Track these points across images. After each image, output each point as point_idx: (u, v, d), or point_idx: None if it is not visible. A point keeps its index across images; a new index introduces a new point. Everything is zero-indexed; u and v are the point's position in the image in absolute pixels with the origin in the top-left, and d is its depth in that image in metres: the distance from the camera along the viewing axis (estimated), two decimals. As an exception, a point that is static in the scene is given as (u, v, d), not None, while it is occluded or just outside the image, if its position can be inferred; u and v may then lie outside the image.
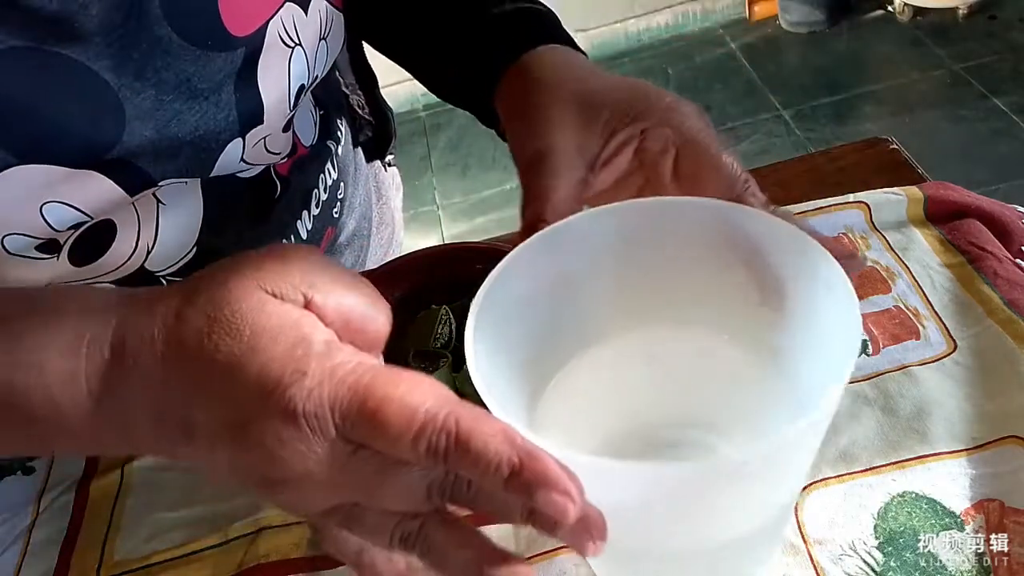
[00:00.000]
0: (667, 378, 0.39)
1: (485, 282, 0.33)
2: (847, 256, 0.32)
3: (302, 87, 0.48)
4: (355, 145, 0.68)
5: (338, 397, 0.26)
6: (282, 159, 0.52)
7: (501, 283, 0.33)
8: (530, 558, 0.42)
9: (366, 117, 0.68)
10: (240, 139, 0.45)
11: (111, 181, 0.41)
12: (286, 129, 0.50)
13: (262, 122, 0.46)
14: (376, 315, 0.31)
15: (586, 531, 0.27)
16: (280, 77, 0.46)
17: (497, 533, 0.44)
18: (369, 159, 0.71)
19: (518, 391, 0.34)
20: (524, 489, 0.25)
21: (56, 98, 0.37)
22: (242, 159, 0.47)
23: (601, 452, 0.26)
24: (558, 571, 0.42)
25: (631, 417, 0.38)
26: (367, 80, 0.67)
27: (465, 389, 0.32)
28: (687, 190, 0.39)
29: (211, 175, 0.46)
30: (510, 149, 0.43)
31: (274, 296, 0.28)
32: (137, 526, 0.48)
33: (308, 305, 0.29)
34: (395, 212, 0.79)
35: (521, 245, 0.34)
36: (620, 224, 0.35)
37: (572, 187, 0.38)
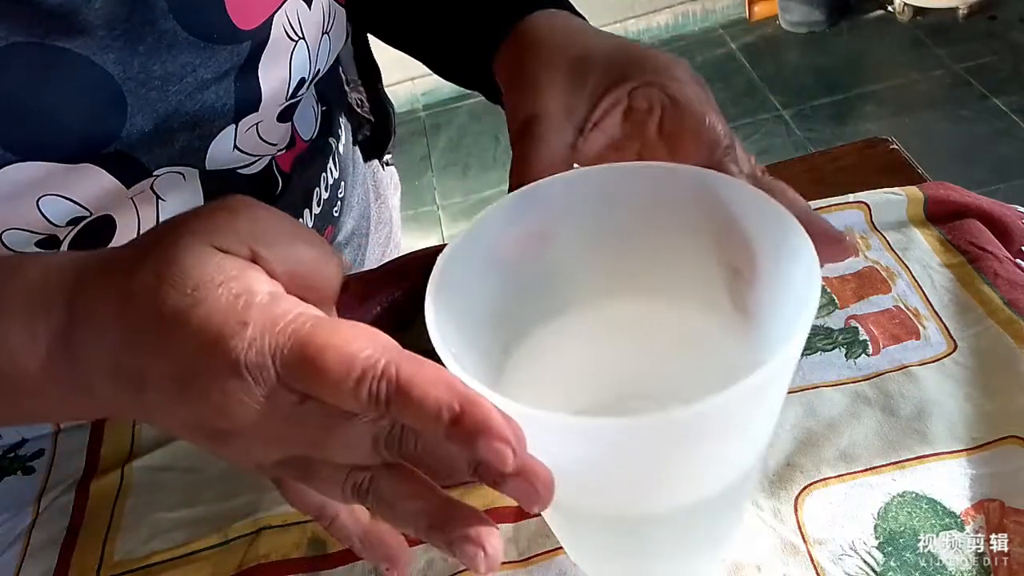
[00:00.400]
0: (638, 346, 0.38)
1: (451, 242, 0.32)
2: (835, 240, 0.32)
3: (303, 80, 0.48)
4: (353, 143, 0.68)
5: (279, 346, 0.26)
6: (280, 151, 0.52)
7: (468, 244, 0.32)
8: (529, 558, 0.42)
9: (365, 115, 0.68)
10: (233, 125, 0.45)
11: (108, 174, 0.41)
12: (284, 120, 0.50)
13: (256, 110, 0.46)
14: (324, 266, 0.30)
15: (530, 484, 0.26)
16: (281, 70, 0.46)
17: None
18: (367, 158, 0.71)
19: (483, 354, 0.33)
20: (465, 437, 0.25)
21: (58, 94, 0.37)
22: (236, 147, 0.47)
23: (581, 404, 0.25)
24: (558, 571, 0.42)
25: (600, 383, 0.38)
26: (371, 75, 0.67)
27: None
28: (670, 151, 0.38)
29: (206, 164, 0.46)
30: (506, 119, 0.42)
31: (220, 250, 0.28)
32: (137, 526, 0.48)
33: (255, 259, 0.29)
34: (393, 211, 0.79)
35: (490, 207, 0.33)
36: (593, 188, 0.35)
37: (559, 151, 0.37)
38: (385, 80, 0.69)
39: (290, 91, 0.48)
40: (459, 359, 0.28)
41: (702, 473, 0.31)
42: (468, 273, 0.32)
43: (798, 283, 0.29)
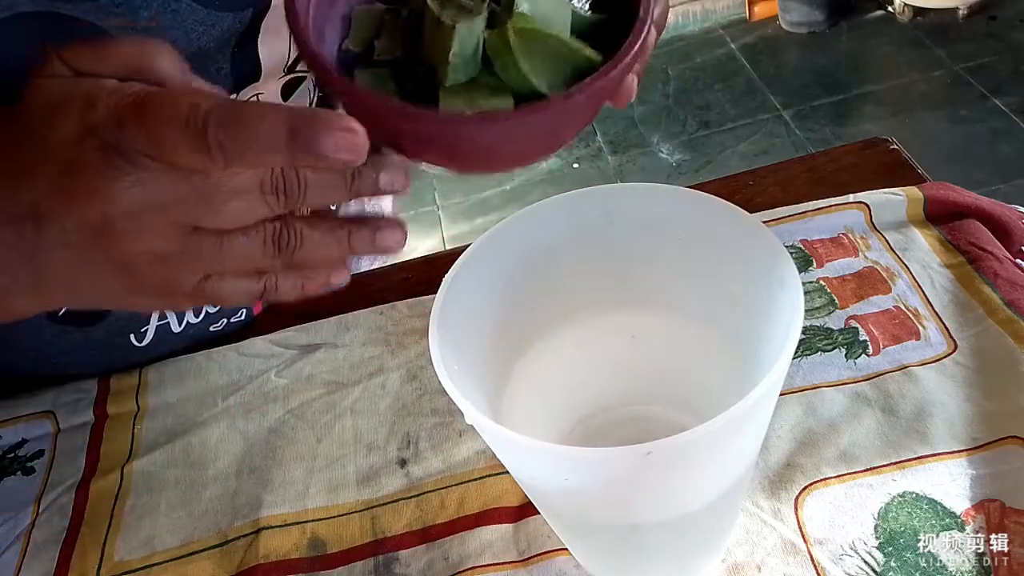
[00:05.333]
0: (634, 358, 0.39)
1: (458, 261, 0.33)
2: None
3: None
4: None
5: (122, 107, 0.28)
6: None
7: (473, 261, 0.34)
8: (529, 558, 0.42)
9: None
10: (234, 94, 0.46)
11: None
12: (287, 98, 0.50)
13: (257, 80, 0.46)
14: (158, 52, 0.31)
15: (393, 180, 0.29)
16: (280, 41, 0.46)
17: (496, 534, 0.44)
18: None
19: (487, 367, 0.35)
20: (309, 144, 0.26)
21: None
22: None
23: (567, 427, 0.26)
24: (558, 571, 0.42)
25: (598, 394, 0.39)
26: None
27: (502, 53, 0.32)
28: None
29: None
30: None
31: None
32: (137, 526, 0.48)
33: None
34: (385, 211, 0.80)
35: (489, 232, 0.35)
36: (591, 208, 0.36)
37: None
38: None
39: (289, 63, 0.48)
40: (461, 377, 0.29)
41: (686, 492, 0.32)
42: (473, 290, 0.33)
43: (784, 311, 0.30)
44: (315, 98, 0.58)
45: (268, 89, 0.48)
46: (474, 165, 0.33)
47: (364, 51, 0.33)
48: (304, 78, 0.52)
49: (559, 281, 0.37)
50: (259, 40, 0.45)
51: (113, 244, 0.29)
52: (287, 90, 0.50)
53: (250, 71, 0.46)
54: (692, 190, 0.35)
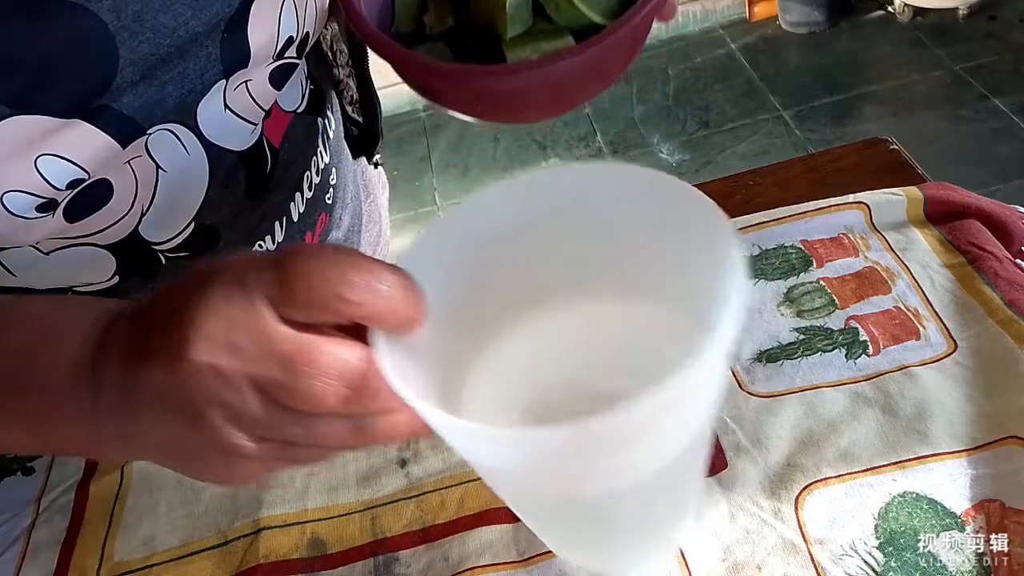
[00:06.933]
0: (594, 340, 0.39)
1: (418, 236, 0.34)
2: None
3: (290, 39, 0.48)
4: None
5: (274, 258, 0.28)
6: (266, 114, 0.52)
7: (408, 260, 0.33)
8: (530, 558, 0.42)
9: (354, 116, 0.69)
10: (223, 81, 0.45)
11: (100, 131, 0.41)
12: (276, 85, 0.50)
13: (246, 67, 0.46)
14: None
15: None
16: (270, 26, 0.46)
17: (496, 534, 0.44)
18: (355, 155, 0.72)
19: (440, 361, 0.35)
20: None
21: (50, 43, 0.37)
22: (226, 106, 0.47)
23: (526, 410, 0.27)
24: (558, 571, 0.42)
25: (556, 377, 0.39)
26: (358, 55, 0.67)
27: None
28: None
29: (200, 126, 0.46)
30: None
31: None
32: (137, 526, 0.48)
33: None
34: (382, 210, 0.80)
35: (437, 220, 0.35)
36: (545, 192, 0.36)
37: None
38: (386, 80, 0.68)
39: (278, 49, 0.48)
40: (412, 368, 0.29)
41: (633, 464, 0.32)
42: (434, 271, 0.33)
43: (730, 280, 0.30)
44: (307, 91, 0.57)
45: (257, 76, 0.48)
46: (547, 109, 0.34)
47: (414, 30, 0.34)
48: (296, 65, 0.51)
49: (509, 269, 0.37)
50: (248, 25, 0.45)
51: (188, 380, 0.28)
52: (277, 77, 0.50)
53: (240, 57, 0.45)
54: (640, 168, 0.35)
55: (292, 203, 0.57)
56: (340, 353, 0.28)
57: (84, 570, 0.47)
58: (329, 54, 0.64)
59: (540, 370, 0.39)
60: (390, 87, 0.71)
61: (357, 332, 0.29)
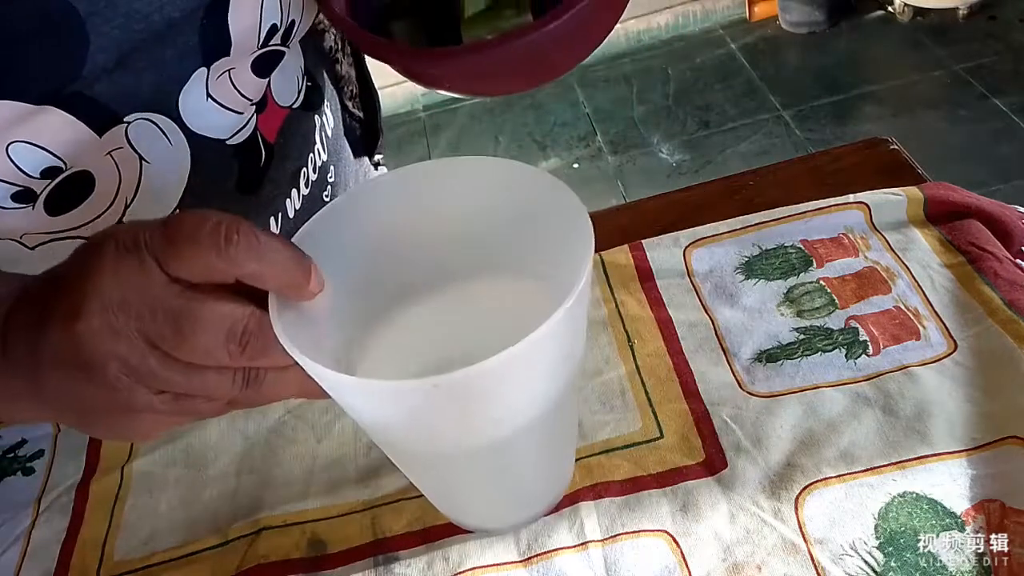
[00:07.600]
0: (467, 319, 0.41)
1: (305, 228, 0.35)
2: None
3: (274, 27, 0.48)
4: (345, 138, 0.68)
5: (158, 225, 0.30)
6: (253, 105, 0.51)
7: (311, 234, 0.35)
8: (529, 558, 0.42)
9: (356, 112, 0.69)
10: (204, 68, 0.45)
11: (74, 118, 0.40)
12: (261, 74, 0.50)
13: (227, 55, 0.46)
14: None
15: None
16: (252, 13, 0.45)
17: (496, 535, 0.44)
18: (357, 155, 0.72)
19: (340, 344, 0.37)
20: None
21: (18, 27, 0.37)
22: (209, 95, 0.46)
23: (421, 373, 0.28)
24: (558, 571, 0.42)
25: (436, 354, 0.40)
26: (357, 51, 0.67)
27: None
28: None
29: (183, 116, 0.45)
30: None
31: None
32: (137, 526, 0.48)
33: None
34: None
35: (321, 211, 0.36)
36: (418, 184, 0.37)
37: None
38: (385, 80, 0.68)
39: (261, 37, 0.47)
40: (315, 338, 0.32)
41: (482, 423, 0.34)
42: (332, 249, 0.35)
43: (578, 250, 0.32)
44: (303, 87, 0.57)
45: (240, 64, 0.47)
46: (517, 82, 0.35)
47: (393, 3, 0.34)
48: (282, 53, 0.51)
49: (406, 251, 0.39)
50: (229, 12, 0.44)
51: (86, 337, 0.30)
52: (262, 66, 0.49)
53: (220, 45, 0.44)
54: (512, 162, 0.36)
55: (288, 199, 0.57)
56: (222, 309, 0.30)
57: (84, 570, 0.47)
58: (332, 47, 0.64)
59: (436, 344, 0.41)
60: (389, 87, 0.71)
61: (255, 295, 0.31)
